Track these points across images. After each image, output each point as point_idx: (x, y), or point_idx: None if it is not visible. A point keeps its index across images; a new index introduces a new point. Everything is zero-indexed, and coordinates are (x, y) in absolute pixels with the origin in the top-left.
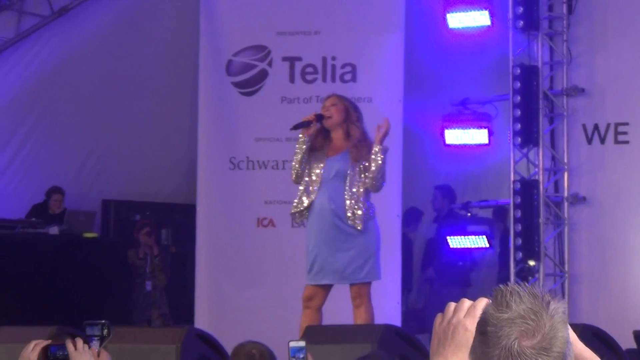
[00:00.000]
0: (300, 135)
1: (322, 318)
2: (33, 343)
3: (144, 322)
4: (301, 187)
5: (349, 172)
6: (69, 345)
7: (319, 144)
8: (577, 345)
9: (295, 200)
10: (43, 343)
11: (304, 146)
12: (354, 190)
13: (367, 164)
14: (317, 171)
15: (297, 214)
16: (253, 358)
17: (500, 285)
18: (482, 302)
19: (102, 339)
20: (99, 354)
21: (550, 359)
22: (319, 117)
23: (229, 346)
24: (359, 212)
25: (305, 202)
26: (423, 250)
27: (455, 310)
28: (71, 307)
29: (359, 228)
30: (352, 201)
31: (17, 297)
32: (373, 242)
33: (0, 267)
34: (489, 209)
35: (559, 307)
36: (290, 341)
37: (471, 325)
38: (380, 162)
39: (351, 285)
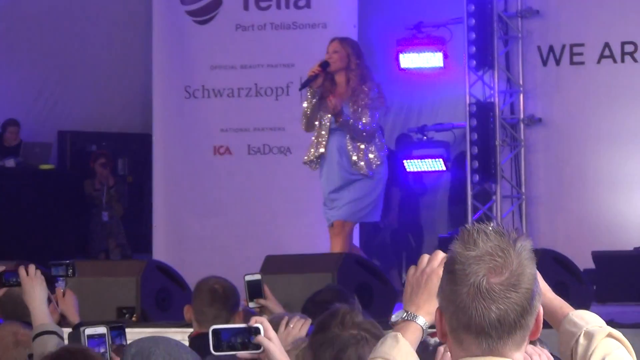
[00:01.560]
0: (309, 90)
1: (350, 243)
2: None
3: (101, 253)
4: (313, 137)
5: (349, 115)
6: (21, 271)
7: (327, 88)
8: (547, 294)
9: (311, 149)
10: None
11: (314, 100)
12: (349, 139)
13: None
14: (324, 121)
15: (310, 163)
16: (216, 293)
17: (467, 224)
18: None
19: (67, 278)
20: (64, 294)
21: (518, 295)
22: (324, 65)
23: (187, 274)
24: (362, 162)
25: (316, 151)
26: None
27: (429, 261)
28: (29, 240)
29: (363, 172)
30: (355, 151)
31: None
32: (378, 186)
33: None
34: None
35: (526, 245)
36: (245, 275)
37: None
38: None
39: (335, 220)
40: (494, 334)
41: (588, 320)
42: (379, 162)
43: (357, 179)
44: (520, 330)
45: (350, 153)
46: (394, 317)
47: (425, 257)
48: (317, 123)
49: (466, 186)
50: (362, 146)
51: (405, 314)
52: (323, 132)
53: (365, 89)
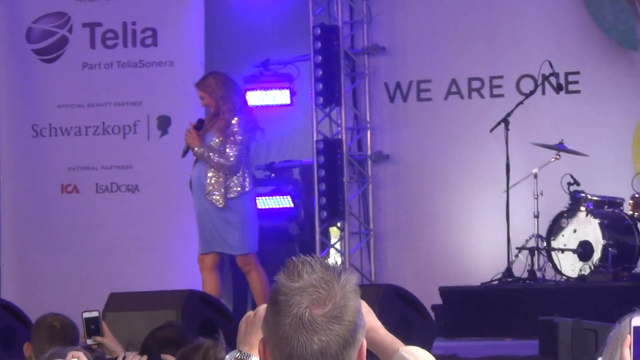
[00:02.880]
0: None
1: (218, 277)
2: None
3: None
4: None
5: (211, 143)
6: None
7: (210, 124)
8: (379, 330)
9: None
10: None
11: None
12: (212, 172)
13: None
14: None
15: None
16: (54, 330)
17: (293, 257)
18: None
19: None
20: None
21: (341, 327)
22: (200, 123)
23: (34, 313)
24: (216, 192)
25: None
26: None
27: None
28: None
29: (219, 206)
30: (212, 180)
31: None
32: (239, 216)
33: None
34: (296, 169)
35: (350, 278)
36: (83, 312)
37: None
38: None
39: (236, 256)
40: None
41: (417, 355)
42: (233, 195)
43: (212, 209)
44: None
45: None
46: (227, 357)
47: (263, 305)
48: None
49: (314, 222)
50: (220, 179)
51: (238, 353)
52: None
53: (234, 124)
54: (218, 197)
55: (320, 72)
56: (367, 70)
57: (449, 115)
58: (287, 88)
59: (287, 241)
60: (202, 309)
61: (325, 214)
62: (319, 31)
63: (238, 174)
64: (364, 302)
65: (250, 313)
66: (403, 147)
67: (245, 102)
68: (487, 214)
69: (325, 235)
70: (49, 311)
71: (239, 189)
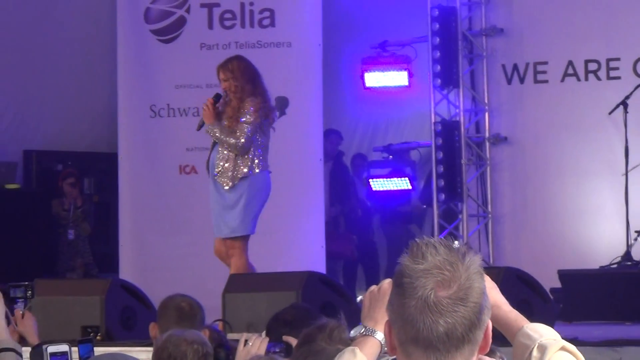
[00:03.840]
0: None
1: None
2: None
3: (67, 271)
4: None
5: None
6: None
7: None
8: (503, 307)
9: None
10: None
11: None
12: (225, 151)
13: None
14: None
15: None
16: (182, 311)
17: (416, 238)
18: None
19: (25, 300)
20: (23, 316)
21: (466, 309)
22: (217, 98)
23: (153, 294)
24: (229, 172)
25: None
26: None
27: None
28: None
29: (225, 187)
30: (223, 162)
31: None
32: (238, 197)
33: None
34: (414, 151)
35: (475, 259)
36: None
37: None
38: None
39: (223, 239)
40: (441, 348)
41: (542, 333)
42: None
43: (219, 191)
44: (469, 345)
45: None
46: (352, 332)
47: (387, 280)
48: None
49: (432, 205)
50: (229, 161)
51: (363, 329)
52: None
53: (245, 106)
54: (225, 179)
55: (438, 54)
56: (484, 52)
57: (566, 97)
58: (405, 70)
59: (404, 223)
60: (322, 290)
61: (443, 196)
62: (437, 12)
63: (247, 156)
64: (488, 277)
65: (374, 288)
66: (520, 129)
67: (263, 85)
68: (605, 197)
69: (444, 217)
70: (167, 292)
71: (245, 170)
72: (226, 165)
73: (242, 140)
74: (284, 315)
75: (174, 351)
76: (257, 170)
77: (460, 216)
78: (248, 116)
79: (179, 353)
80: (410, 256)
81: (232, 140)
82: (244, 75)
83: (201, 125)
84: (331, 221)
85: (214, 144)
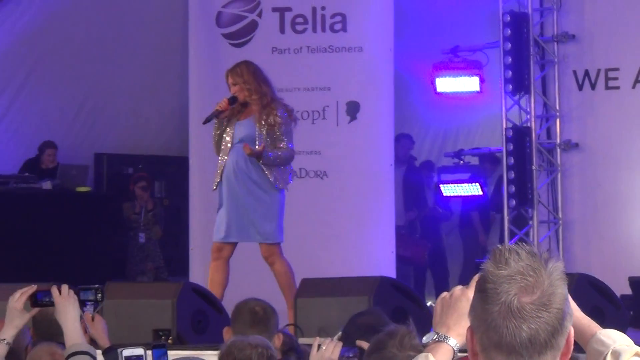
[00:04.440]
0: (216, 120)
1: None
2: (19, 292)
3: (137, 275)
4: (219, 157)
5: (256, 137)
6: (54, 290)
7: (237, 112)
8: (576, 313)
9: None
10: (29, 291)
11: (218, 131)
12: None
13: (274, 135)
14: (227, 138)
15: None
16: (256, 315)
17: (499, 245)
18: None
19: (95, 303)
20: (93, 319)
21: (550, 315)
22: (232, 100)
23: (224, 298)
24: (264, 180)
25: (220, 169)
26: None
27: (462, 287)
28: (65, 263)
29: (267, 190)
30: (262, 168)
31: (10, 253)
32: (278, 205)
33: None
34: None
35: (557, 265)
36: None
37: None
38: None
39: (260, 244)
40: (524, 354)
41: (615, 339)
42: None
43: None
44: (551, 351)
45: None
46: (425, 339)
47: (459, 286)
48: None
49: (502, 211)
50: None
51: (436, 335)
52: (224, 156)
53: (272, 112)
54: (266, 185)
55: (510, 60)
56: (556, 58)
57: (637, 103)
58: (476, 75)
59: (473, 228)
60: (394, 295)
61: (514, 202)
62: (509, 18)
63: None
64: None
65: (445, 294)
66: (591, 136)
67: (274, 90)
68: None
69: (514, 223)
70: (236, 296)
71: (285, 176)
72: (266, 172)
73: (292, 150)
74: (363, 319)
75: (239, 355)
76: (289, 180)
77: (530, 222)
78: (283, 126)
79: (244, 357)
80: (493, 262)
81: (284, 155)
82: (255, 79)
83: (209, 120)
84: (408, 225)
85: (230, 147)
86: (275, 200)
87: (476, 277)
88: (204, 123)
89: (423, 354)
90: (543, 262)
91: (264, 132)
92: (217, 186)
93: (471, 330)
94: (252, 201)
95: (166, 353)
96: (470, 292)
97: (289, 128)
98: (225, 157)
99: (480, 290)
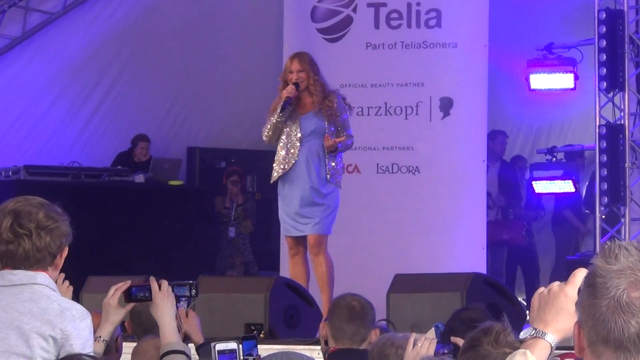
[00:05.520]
0: (280, 113)
1: (307, 264)
2: (113, 288)
3: (227, 269)
4: (282, 152)
5: (325, 129)
6: (154, 284)
7: (295, 106)
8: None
9: (277, 164)
10: (123, 287)
11: (283, 119)
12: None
13: (338, 125)
14: (295, 132)
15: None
16: (354, 310)
17: (608, 241)
18: (582, 272)
19: (189, 299)
20: (187, 314)
21: None
22: (296, 86)
23: (314, 292)
24: (337, 167)
25: (288, 163)
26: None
27: (559, 283)
28: (157, 255)
29: (335, 185)
30: (330, 159)
31: (102, 246)
32: (337, 198)
33: (86, 216)
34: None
35: None
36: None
37: (572, 292)
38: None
39: (309, 236)
40: (632, 349)
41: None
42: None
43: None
44: None
45: (324, 164)
46: (522, 334)
47: (557, 282)
48: (283, 139)
49: (595, 208)
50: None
51: (533, 331)
52: (292, 150)
53: (331, 101)
54: (332, 179)
55: (605, 57)
56: None
57: None
58: (570, 72)
59: (567, 226)
60: (487, 292)
61: (606, 199)
62: (604, 15)
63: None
64: None
65: (543, 290)
66: None
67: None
68: None
69: (606, 220)
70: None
71: (341, 169)
72: (333, 161)
73: (352, 138)
74: (466, 314)
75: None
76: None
77: (622, 220)
78: (344, 112)
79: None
80: (602, 257)
81: (349, 143)
82: (317, 68)
83: (284, 107)
84: (500, 211)
85: (300, 142)
86: (334, 194)
87: (575, 273)
88: (281, 112)
89: (521, 350)
90: None
91: (330, 123)
92: (278, 179)
93: (578, 325)
94: (316, 195)
95: (256, 345)
96: (569, 288)
97: (347, 116)
98: (294, 151)
99: (589, 285)
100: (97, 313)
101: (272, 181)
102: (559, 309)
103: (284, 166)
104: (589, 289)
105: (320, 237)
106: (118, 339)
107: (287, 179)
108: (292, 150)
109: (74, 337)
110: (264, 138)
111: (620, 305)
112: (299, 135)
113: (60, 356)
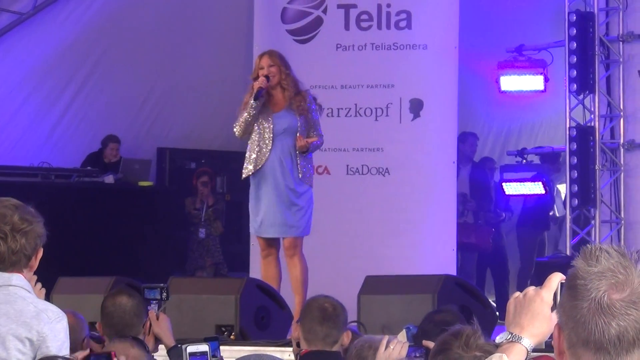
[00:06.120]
0: (253, 103)
1: (279, 265)
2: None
3: (196, 270)
4: (255, 148)
5: (298, 128)
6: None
7: (266, 101)
8: None
9: (248, 162)
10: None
11: (255, 112)
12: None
13: (308, 123)
14: (266, 130)
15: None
16: (326, 311)
17: (589, 244)
18: (557, 276)
19: (160, 302)
20: (157, 317)
21: (638, 313)
22: (268, 79)
23: (284, 293)
24: (309, 166)
25: (259, 160)
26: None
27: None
28: (125, 257)
29: (307, 184)
30: (301, 158)
31: (71, 246)
32: (311, 198)
33: (56, 217)
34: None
35: None
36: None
37: (547, 296)
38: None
39: (285, 238)
40: (612, 351)
41: None
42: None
43: (288, 191)
44: (639, 349)
45: (296, 163)
46: (498, 338)
47: (532, 287)
48: (254, 137)
49: (565, 210)
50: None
51: (509, 335)
52: (264, 149)
53: (303, 97)
54: (307, 176)
55: (575, 59)
56: (621, 58)
57: None
58: (541, 74)
59: (535, 227)
60: (459, 293)
61: (576, 201)
62: (574, 17)
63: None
64: None
65: (518, 294)
66: None
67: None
68: None
69: (577, 222)
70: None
71: (311, 168)
72: (300, 166)
73: (322, 134)
74: (440, 316)
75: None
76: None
77: (593, 222)
78: (316, 114)
79: None
80: (583, 259)
81: (318, 143)
82: (286, 65)
83: (257, 97)
84: (471, 214)
85: (272, 139)
86: (308, 193)
87: (551, 277)
88: (254, 101)
89: (497, 354)
90: (633, 261)
91: (302, 120)
92: (248, 176)
93: (558, 327)
94: (292, 194)
95: (218, 347)
96: (545, 293)
97: (318, 116)
98: (266, 150)
99: (570, 287)
100: (69, 312)
101: (242, 177)
102: (534, 314)
103: (256, 164)
104: (570, 290)
105: (296, 240)
106: (85, 340)
107: (259, 177)
108: (264, 149)
109: (51, 339)
110: (235, 130)
111: (601, 307)
112: (272, 134)
113: (37, 358)
